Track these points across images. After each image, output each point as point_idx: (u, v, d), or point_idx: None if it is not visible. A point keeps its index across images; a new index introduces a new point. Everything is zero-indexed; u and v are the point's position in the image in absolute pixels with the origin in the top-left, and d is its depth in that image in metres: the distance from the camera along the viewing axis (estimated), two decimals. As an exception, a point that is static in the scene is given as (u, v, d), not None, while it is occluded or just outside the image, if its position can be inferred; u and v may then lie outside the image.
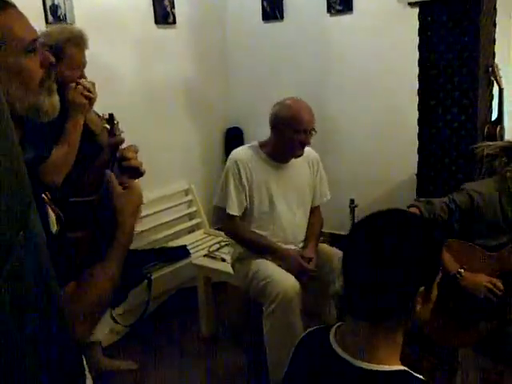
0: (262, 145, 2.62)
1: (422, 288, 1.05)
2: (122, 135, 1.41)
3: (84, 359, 1.17)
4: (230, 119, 4.42)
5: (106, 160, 1.34)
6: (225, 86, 4.36)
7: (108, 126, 1.43)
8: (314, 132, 2.51)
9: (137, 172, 1.32)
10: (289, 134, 2.46)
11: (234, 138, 4.37)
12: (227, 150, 4.21)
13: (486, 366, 2.16)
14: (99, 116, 2.17)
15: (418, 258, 1.05)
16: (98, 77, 3.27)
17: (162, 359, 2.93)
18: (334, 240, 3.59)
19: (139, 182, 1.30)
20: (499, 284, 1.94)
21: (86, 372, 1.20)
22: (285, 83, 4.05)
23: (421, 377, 1.04)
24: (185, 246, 3.52)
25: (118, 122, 1.43)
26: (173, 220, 3.80)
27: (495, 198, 2.02)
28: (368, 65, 3.73)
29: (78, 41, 2.11)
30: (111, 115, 1.43)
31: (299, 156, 2.56)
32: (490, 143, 2.16)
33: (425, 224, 1.13)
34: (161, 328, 3.20)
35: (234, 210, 2.55)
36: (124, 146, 1.37)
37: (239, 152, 2.62)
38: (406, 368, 1.05)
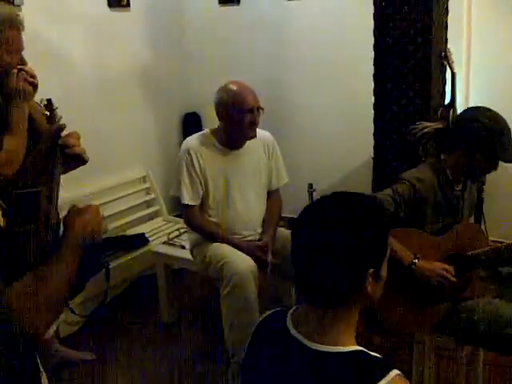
0: (214, 132, 2.60)
1: (372, 270, 1.06)
2: (61, 121, 1.36)
3: (37, 356, 1.15)
4: (187, 104, 4.37)
5: (47, 147, 1.29)
6: (181, 70, 4.29)
7: (47, 113, 1.37)
8: (261, 111, 2.51)
9: (80, 159, 1.28)
10: (236, 116, 2.45)
11: (191, 123, 4.33)
12: (185, 135, 4.14)
13: (441, 344, 2.23)
14: (37, 103, 2.08)
15: (365, 239, 1.05)
16: (49, 62, 3.19)
17: (122, 348, 2.90)
18: (292, 224, 3.62)
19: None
20: (451, 270, 1.98)
21: (41, 368, 1.17)
22: (243, 67, 4.02)
23: (378, 355, 1.06)
24: (143, 233, 3.48)
25: (57, 108, 1.38)
26: (130, 208, 3.74)
27: (434, 182, 2.05)
28: (325, 50, 3.74)
29: (15, 23, 1.93)
30: (49, 100, 1.38)
31: (252, 137, 2.54)
32: (426, 124, 2.19)
33: (370, 205, 1.13)
34: (120, 317, 3.16)
35: (188, 200, 2.54)
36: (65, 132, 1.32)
37: (191, 141, 2.59)
38: (362, 348, 1.07)
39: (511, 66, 3.26)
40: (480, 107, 2.05)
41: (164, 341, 2.97)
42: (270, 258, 2.50)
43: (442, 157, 2.11)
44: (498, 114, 2.00)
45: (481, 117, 1.98)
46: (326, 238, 1.04)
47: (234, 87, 2.49)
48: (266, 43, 3.98)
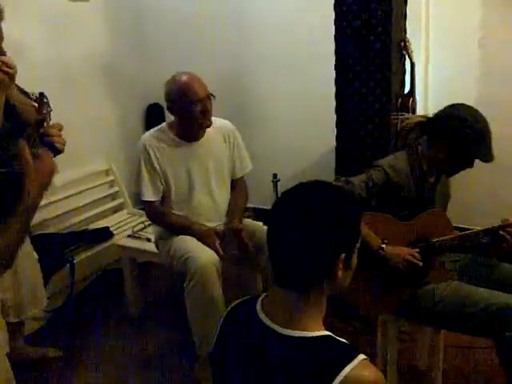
0: (171, 126, 2.58)
1: (343, 255, 1.09)
2: (52, 114, 1.43)
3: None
4: (150, 96, 4.30)
5: (31, 136, 1.34)
6: (143, 61, 4.23)
7: (36, 105, 1.45)
8: (212, 97, 2.48)
9: (54, 148, 1.33)
10: (186, 108, 2.43)
11: (154, 114, 4.28)
12: (148, 127, 4.11)
13: (403, 327, 2.29)
14: (21, 90, 2.07)
15: (338, 226, 1.08)
16: (8, 54, 3.09)
17: (89, 342, 2.87)
18: (257, 215, 3.64)
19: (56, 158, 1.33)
20: (418, 255, 2.03)
21: None
22: (205, 56, 4.00)
23: (344, 340, 1.08)
24: (107, 227, 3.44)
25: (47, 101, 1.45)
26: (94, 201, 3.69)
27: (408, 172, 2.10)
28: (287, 39, 3.74)
29: None
30: (41, 94, 1.48)
31: (208, 126, 2.53)
32: (407, 115, 2.23)
33: (343, 194, 1.17)
34: (87, 312, 3.13)
35: (149, 196, 2.53)
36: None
37: (147, 136, 2.57)
38: (330, 333, 1.09)
39: (469, 55, 3.34)
40: (464, 105, 2.08)
41: (131, 335, 2.95)
42: (218, 244, 2.46)
43: (420, 148, 2.15)
44: (480, 114, 2.04)
45: (467, 115, 2.01)
46: (300, 222, 1.07)
47: (180, 79, 2.45)
48: (228, 33, 3.96)
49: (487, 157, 2.02)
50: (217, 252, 2.43)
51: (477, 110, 2.05)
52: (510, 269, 2.19)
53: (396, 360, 2.23)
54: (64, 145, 1.38)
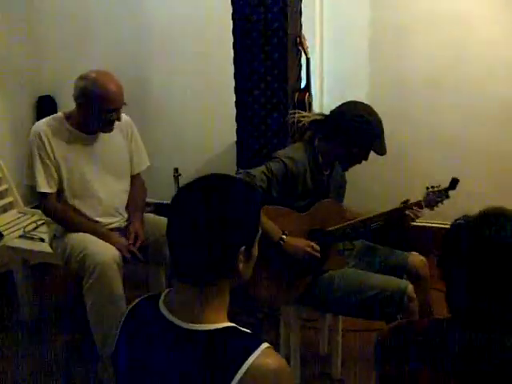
0: (68, 115, 2.46)
1: (243, 247, 1.09)
2: None
3: None
4: (41, 87, 4.08)
5: None
6: (33, 50, 3.99)
7: None
8: (124, 105, 2.42)
9: None
10: (100, 112, 2.35)
11: (46, 107, 4.05)
12: (39, 120, 3.91)
13: (306, 314, 2.36)
14: None
15: (237, 218, 1.08)
16: None
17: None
18: (159, 210, 3.58)
19: None
20: (316, 246, 2.10)
21: None
22: (101, 46, 3.86)
23: (248, 331, 1.09)
24: (-4, 227, 3.22)
25: None
26: (-20, 201, 3.44)
27: (306, 163, 2.16)
28: (187, 33, 3.71)
29: None
30: None
31: (109, 132, 2.47)
32: (304, 114, 2.30)
33: (242, 185, 1.17)
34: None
35: (45, 187, 2.39)
36: None
37: (41, 124, 2.43)
38: (233, 324, 1.10)
39: (361, 51, 3.48)
40: (358, 102, 2.18)
41: (27, 341, 2.79)
42: (137, 246, 2.45)
43: (316, 143, 2.22)
44: (374, 110, 2.15)
45: (361, 112, 2.11)
46: (198, 216, 1.06)
47: (104, 81, 2.33)
48: (126, 21, 3.84)
49: (381, 150, 2.15)
50: (123, 249, 2.38)
51: (370, 107, 2.17)
52: (390, 252, 2.33)
53: (299, 347, 2.29)
54: None
